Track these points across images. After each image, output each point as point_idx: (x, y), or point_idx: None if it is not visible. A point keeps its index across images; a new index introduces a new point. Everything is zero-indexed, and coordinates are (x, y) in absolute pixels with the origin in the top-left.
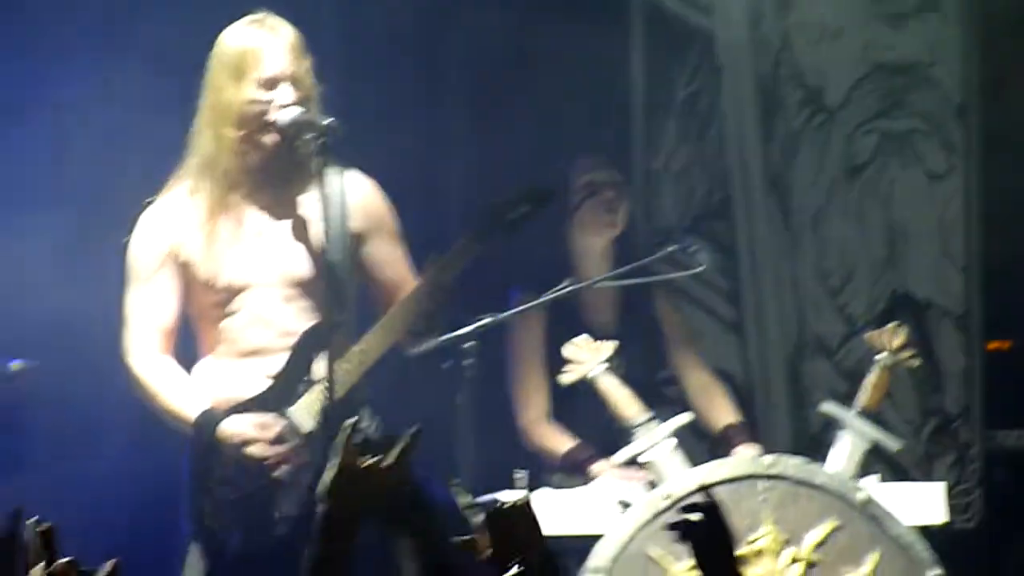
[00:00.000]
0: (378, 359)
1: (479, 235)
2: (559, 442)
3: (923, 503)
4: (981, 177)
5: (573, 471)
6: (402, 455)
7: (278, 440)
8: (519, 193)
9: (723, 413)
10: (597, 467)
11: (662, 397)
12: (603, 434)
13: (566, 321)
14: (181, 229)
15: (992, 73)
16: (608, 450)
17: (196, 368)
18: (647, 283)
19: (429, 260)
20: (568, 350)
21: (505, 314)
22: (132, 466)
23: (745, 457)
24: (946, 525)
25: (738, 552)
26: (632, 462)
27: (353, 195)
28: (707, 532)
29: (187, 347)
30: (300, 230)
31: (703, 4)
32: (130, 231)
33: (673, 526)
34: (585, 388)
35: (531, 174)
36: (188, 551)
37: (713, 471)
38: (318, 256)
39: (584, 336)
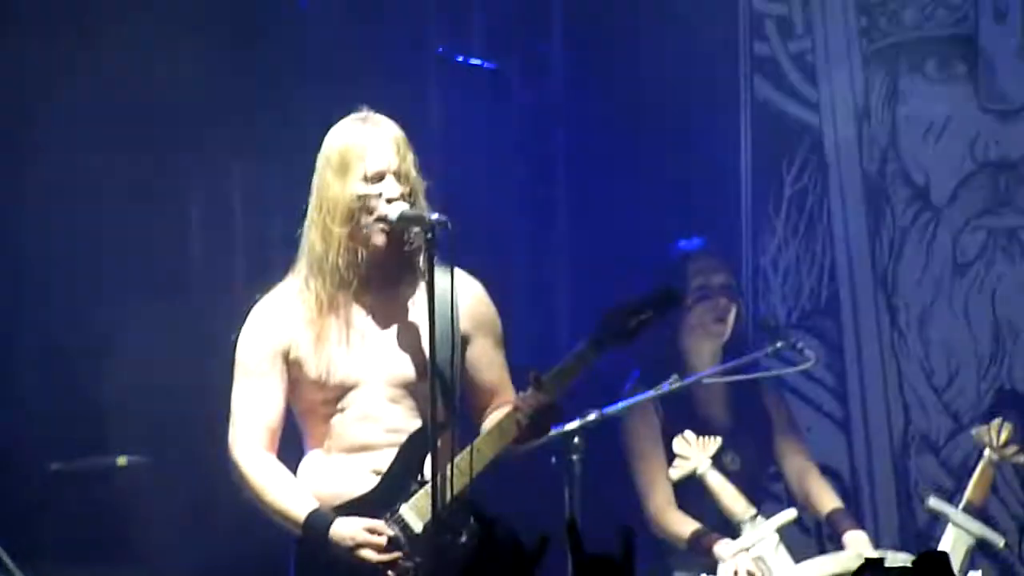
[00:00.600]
0: (489, 461)
1: (598, 343)
2: (685, 526)
3: None
4: None
5: (699, 553)
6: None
7: (390, 546)
8: (646, 296)
9: (827, 499)
10: (719, 549)
11: (770, 492)
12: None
13: (681, 414)
14: (291, 326)
15: None
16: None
17: (304, 461)
18: (756, 378)
19: (548, 371)
20: (677, 445)
21: (611, 409)
22: (237, 555)
23: (851, 554)
24: None
25: None
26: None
27: (461, 295)
28: None
29: (291, 439)
30: (408, 330)
31: (811, 101)
32: (240, 326)
33: None
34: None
35: (640, 271)
36: None
37: (820, 567)
38: (424, 357)
39: (690, 433)
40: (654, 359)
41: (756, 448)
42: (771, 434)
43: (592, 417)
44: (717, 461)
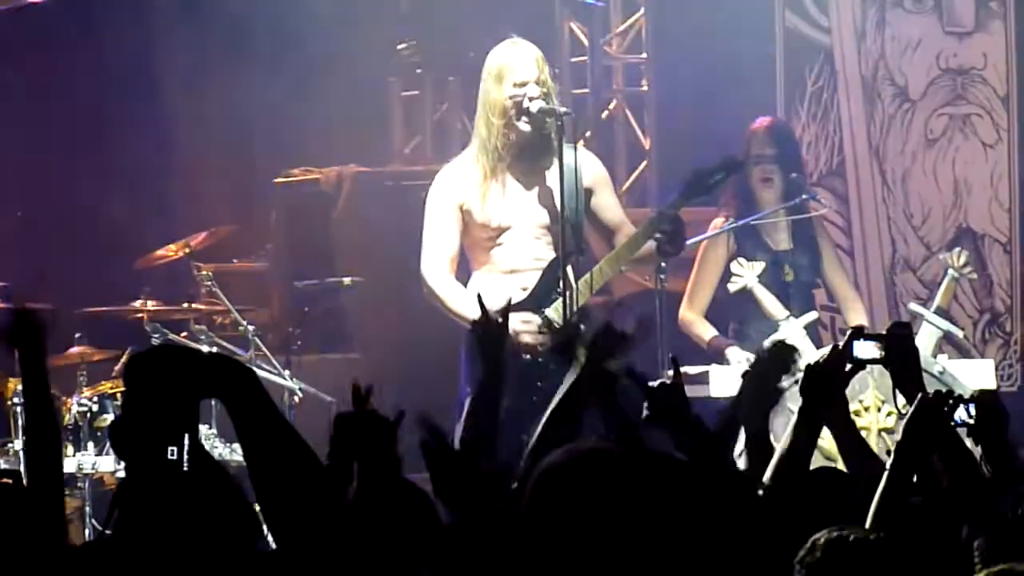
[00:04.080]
0: (608, 278)
1: (687, 195)
2: (708, 332)
3: (980, 374)
4: (1020, 146)
5: (713, 355)
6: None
7: (539, 331)
8: (717, 163)
9: (856, 316)
10: (730, 353)
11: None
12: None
13: (750, 242)
14: (465, 186)
15: None
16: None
17: (472, 279)
18: (806, 217)
19: (648, 216)
20: (734, 267)
21: (691, 241)
22: (426, 341)
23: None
24: (995, 389)
25: (851, 408)
26: None
27: (583, 163)
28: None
29: (463, 267)
30: (545, 189)
31: (824, 26)
32: (428, 187)
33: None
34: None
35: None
36: (464, 405)
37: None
38: (558, 207)
39: (743, 259)
40: (739, 200)
41: (806, 265)
42: (819, 257)
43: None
44: (772, 275)
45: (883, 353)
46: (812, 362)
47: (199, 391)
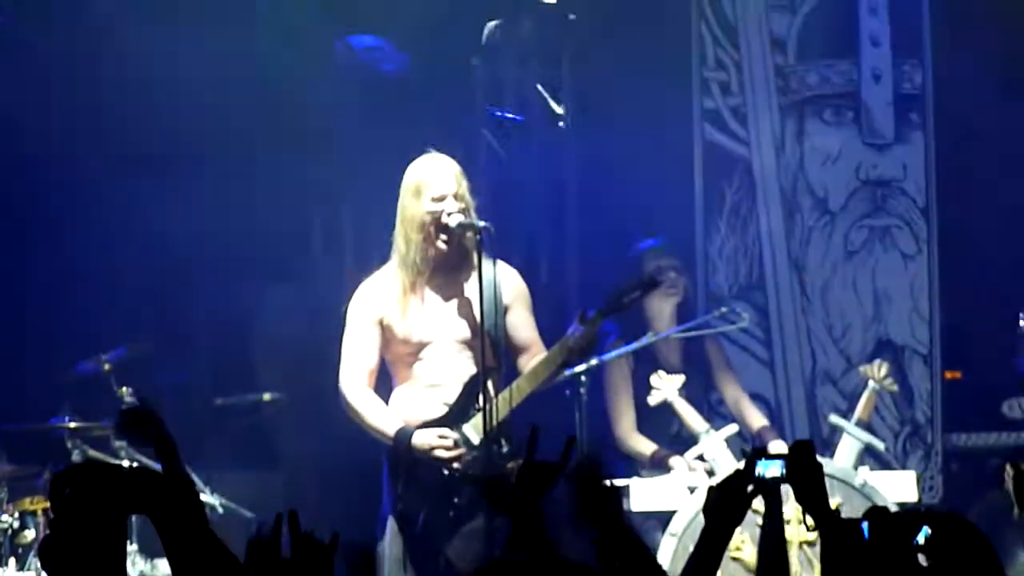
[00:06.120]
0: (527, 395)
1: (603, 313)
2: (647, 446)
3: (901, 486)
4: (939, 257)
5: (657, 467)
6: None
7: (455, 447)
8: (634, 282)
9: (755, 418)
10: (673, 462)
11: (714, 412)
12: (671, 439)
13: (646, 360)
14: (385, 301)
15: (945, 185)
16: (676, 450)
17: (394, 394)
18: (706, 333)
19: (567, 334)
20: (654, 380)
21: (606, 356)
22: (347, 461)
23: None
24: (917, 501)
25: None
26: (698, 459)
27: (503, 278)
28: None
29: (384, 380)
30: (465, 303)
31: (743, 139)
32: (348, 301)
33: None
34: (659, 408)
35: (626, 263)
36: (387, 523)
37: None
38: (478, 322)
39: (663, 371)
40: (630, 321)
41: (700, 382)
42: (711, 371)
43: (594, 362)
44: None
45: (785, 472)
46: (714, 483)
47: (126, 506)
